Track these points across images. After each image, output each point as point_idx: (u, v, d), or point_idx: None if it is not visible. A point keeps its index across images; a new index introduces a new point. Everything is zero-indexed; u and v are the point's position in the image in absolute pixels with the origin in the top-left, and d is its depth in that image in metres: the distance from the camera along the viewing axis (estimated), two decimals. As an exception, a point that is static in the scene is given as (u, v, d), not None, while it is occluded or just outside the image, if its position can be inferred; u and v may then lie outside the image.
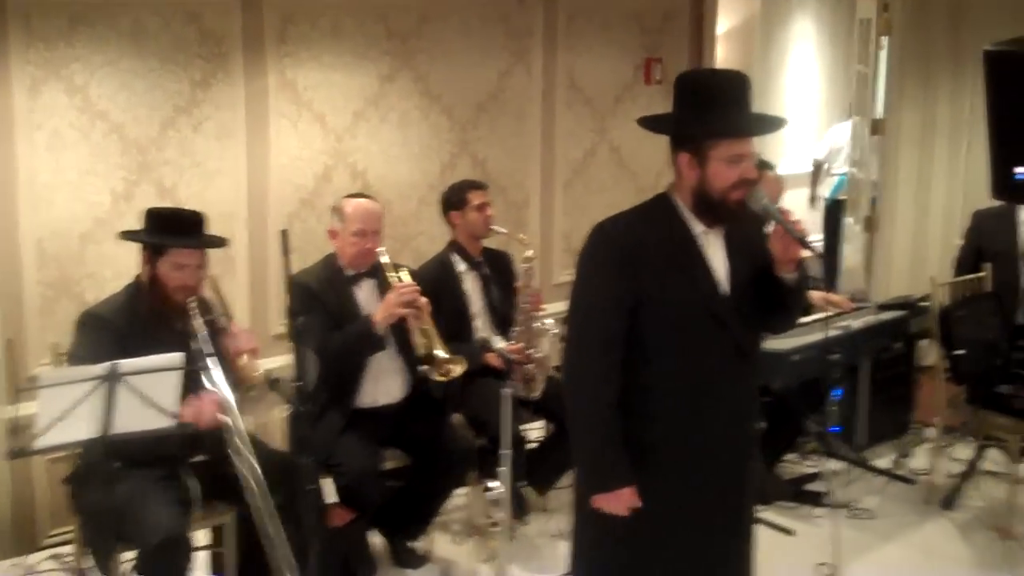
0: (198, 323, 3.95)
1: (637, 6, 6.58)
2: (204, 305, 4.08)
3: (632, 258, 3.03)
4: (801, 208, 8.87)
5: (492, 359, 4.94)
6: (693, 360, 3.08)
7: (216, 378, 3.88)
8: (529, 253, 5.04)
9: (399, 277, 4.57)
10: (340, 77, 5.44)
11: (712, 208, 3.04)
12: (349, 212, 4.59)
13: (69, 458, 4.09)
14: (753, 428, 3.29)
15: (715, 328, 3.09)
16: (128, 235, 4.10)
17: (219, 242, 4.20)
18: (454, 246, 5.17)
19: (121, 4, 4.74)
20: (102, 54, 4.72)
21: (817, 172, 9.38)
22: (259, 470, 3.79)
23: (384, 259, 4.56)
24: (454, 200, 5.14)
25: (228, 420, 3.85)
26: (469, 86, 5.94)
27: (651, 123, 3.17)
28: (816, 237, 8.05)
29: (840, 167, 9.12)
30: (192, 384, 3.75)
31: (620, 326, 3.05)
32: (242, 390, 3.97)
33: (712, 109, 3.01)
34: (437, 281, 4.96)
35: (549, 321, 5.04)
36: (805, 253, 3.10)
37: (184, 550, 3.77)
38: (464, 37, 5.87)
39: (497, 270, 5.20)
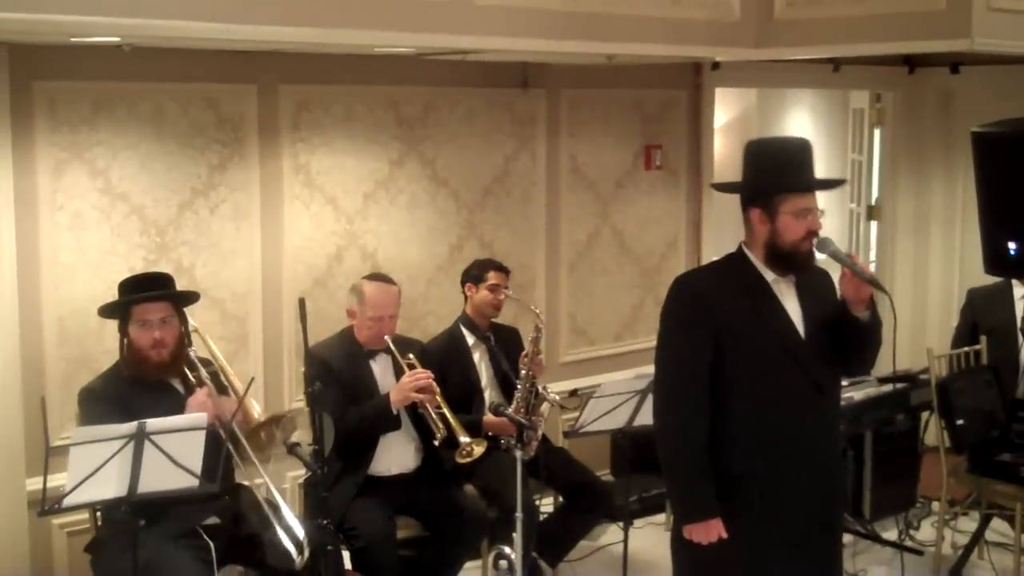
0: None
1: (637, 96, 6.77)
2: (191, 363, 4.15)
3: (710, 305, 3.34)
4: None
5: (493, 423, 5.01)
6: (774, 397, 3.35)
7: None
8: (538, 324, 5.18)
9: (409, 365, 4.68)
10: (351, 161, 5.60)
11: (783, 258, 3.35)
12: (368, 296, 4.72)
13: (89, 528, 4.16)
14: (838, 459, 3.58)
15: (793, 367, 3.36)
16: (103, 308, 4.24)
17: (185, 297, 4.28)
18: (464, 319, 5.29)
19: (142, 90, 4.93)
20: (123, 138, 4.88)
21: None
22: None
23: (390, 344, 4.69)
24: (474, 273, 5.32)
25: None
26: (475, 170, 6.10)
27: (725, 185, 3.54)
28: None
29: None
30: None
31: (703, 368, 3.33)
32: (252, 440, 4.04)
33: (780, 168, 3.35)
34: (448, 353, 5.09)
35: (553, 395, 5.15)
36: (875, 291, 3.38)
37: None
38: (469, 123, 6.05)
39: (506, 344, 5.30)
